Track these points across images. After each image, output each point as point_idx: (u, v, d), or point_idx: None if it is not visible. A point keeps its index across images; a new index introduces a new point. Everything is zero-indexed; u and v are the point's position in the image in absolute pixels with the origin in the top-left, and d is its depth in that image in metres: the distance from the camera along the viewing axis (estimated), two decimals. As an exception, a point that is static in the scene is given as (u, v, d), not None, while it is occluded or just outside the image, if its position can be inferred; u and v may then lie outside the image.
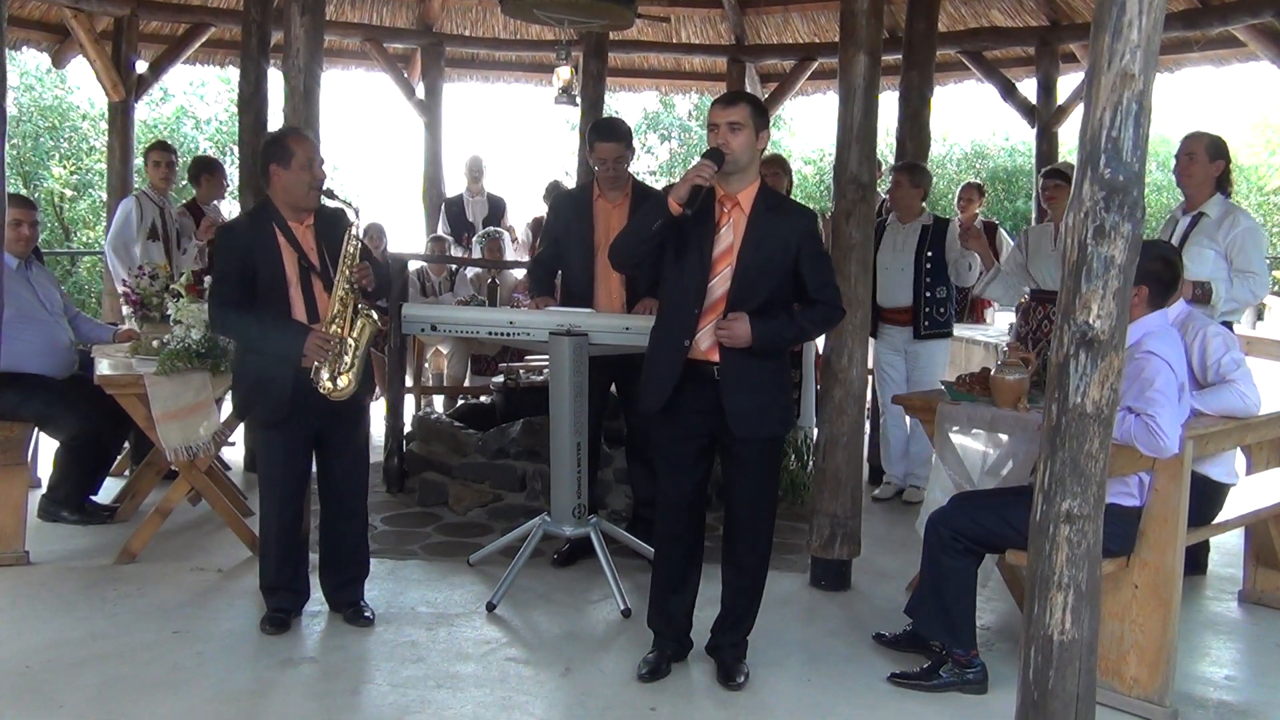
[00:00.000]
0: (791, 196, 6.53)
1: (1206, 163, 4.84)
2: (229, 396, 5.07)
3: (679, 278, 3.70)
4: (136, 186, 7.02)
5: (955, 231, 6.15)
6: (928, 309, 6.11)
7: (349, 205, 4.13)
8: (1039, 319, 5.81)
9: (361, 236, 4.13)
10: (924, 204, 6.20)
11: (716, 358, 3.66)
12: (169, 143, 8.22)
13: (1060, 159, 8.80)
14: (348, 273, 4.04)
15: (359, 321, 4.06)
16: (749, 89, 10.56)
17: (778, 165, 6.61)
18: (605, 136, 4.93)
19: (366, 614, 4.32)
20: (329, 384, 4.02)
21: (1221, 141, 4.89)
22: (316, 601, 4.43)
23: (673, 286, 3.74)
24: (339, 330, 4.02)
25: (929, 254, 6.07)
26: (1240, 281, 4.76)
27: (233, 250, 4.07)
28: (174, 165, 7.16)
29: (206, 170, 7.29)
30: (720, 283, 3.64)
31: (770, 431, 3.77)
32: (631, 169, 5.07)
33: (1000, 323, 8.38)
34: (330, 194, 4.12)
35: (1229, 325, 4.77)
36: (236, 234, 4.17)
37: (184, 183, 8.10)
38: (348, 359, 4.03)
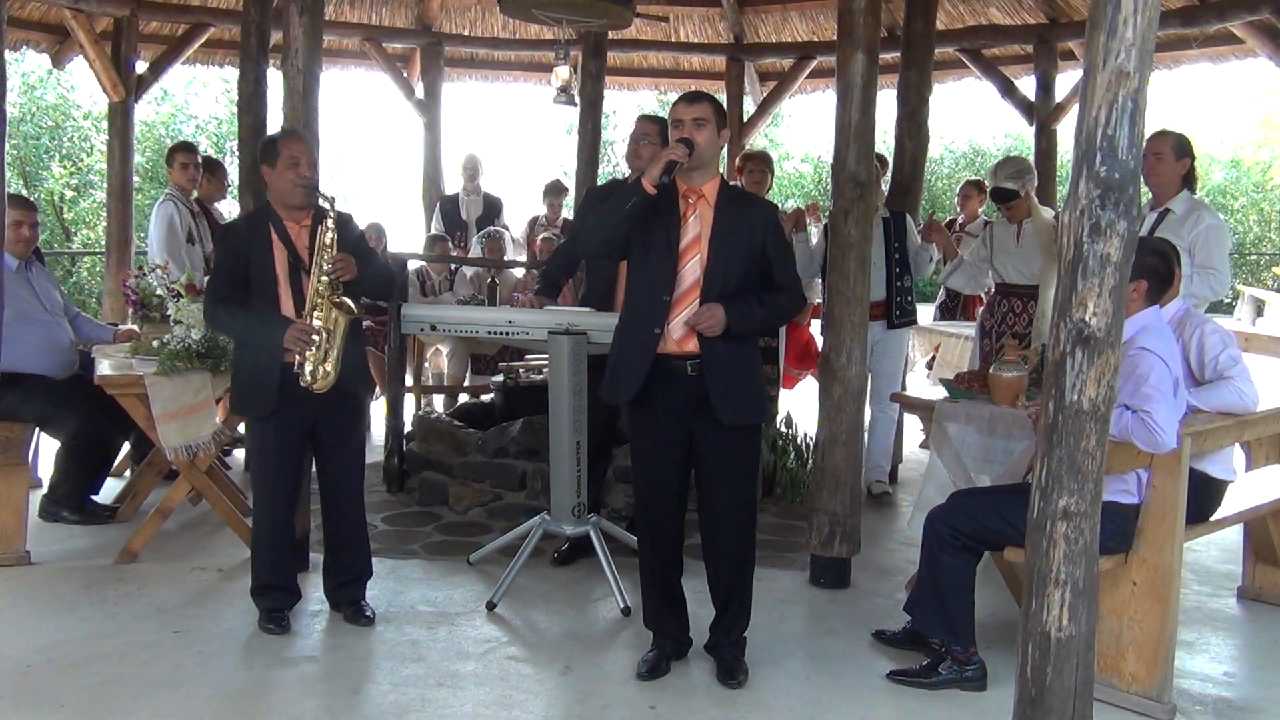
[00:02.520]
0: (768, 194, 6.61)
1: (1174, 161, 4.92)
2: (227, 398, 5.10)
3: (646, 269, 3.75)
4: (149, 193, 6.93)
5: (913, 226, 6.31)
6: (899, 299, 6.25)
7: (325, 198, 4.18)
8: (1004, 312, 6.00)
9: (334, 229, 4.11)
10: None
11: (690, 348, 3.69)
12: (192, 143, 8.19)
13: (1059, 156, 8.83)
14: (324, 265, 4.07)
15: (333, 312, 4.09)
16: (747, 88, 10.58)
17: (763, 163, 6.61)
18: (644, 117, 4.98)
19: (367, 613, 4.33)
20: (308, 376, 4.06)
21: (1187, 140, 4.97)
22: (317, 600, 4.45)
23: (640, 278, 3.78)
24: (319, 322, 4.06)
25: (896, 245, 6.20)
26: (1201, 277, 4.80)
27: (229, 248, 4.22)
28: (200, 166, 7.13)
29: (209, 170, 7.28)
30: (689, 271, 3.70)
31: (752, 418, 3.81)
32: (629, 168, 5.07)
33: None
34: (316, 191, 4.17)
35: None
36: (233, 233, 4.33)
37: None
38: (323, 350, 4.06)
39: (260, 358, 4.09)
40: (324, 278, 4.05)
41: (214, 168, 7.37)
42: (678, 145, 3.63)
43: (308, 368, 4.05)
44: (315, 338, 4.03)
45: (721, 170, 4.00)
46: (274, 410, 4.11)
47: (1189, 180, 4.96)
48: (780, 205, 6.88)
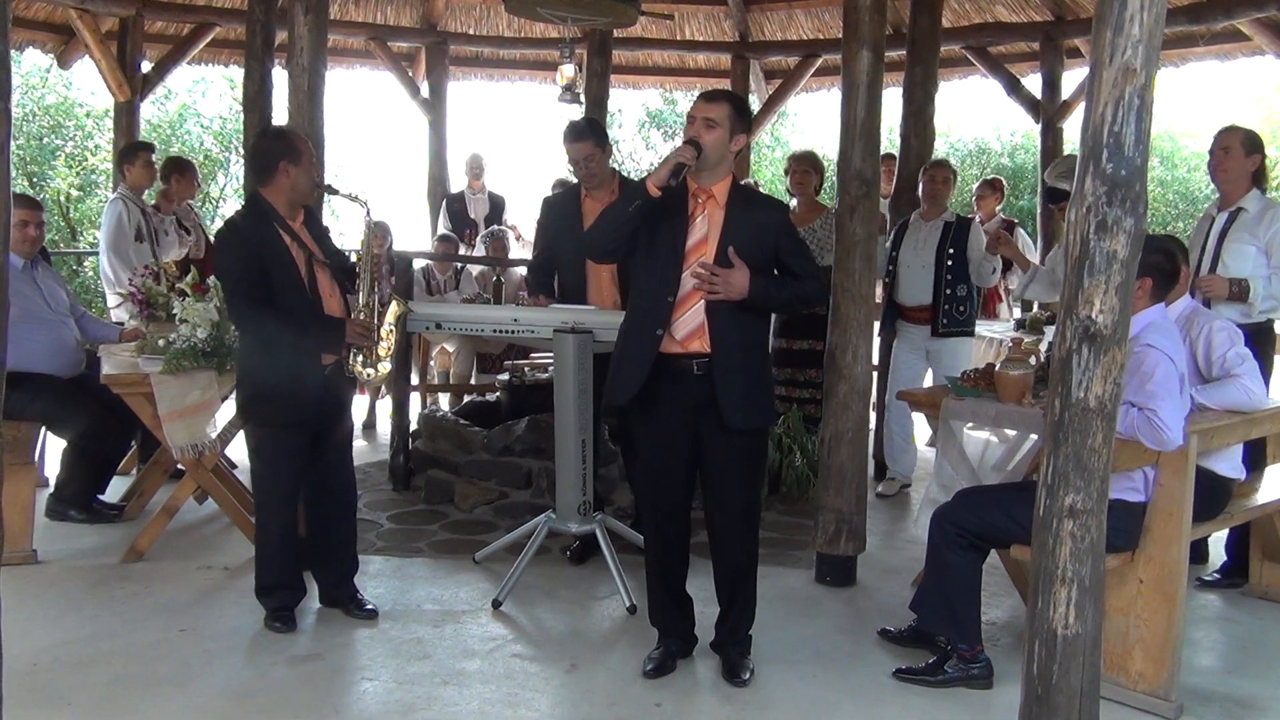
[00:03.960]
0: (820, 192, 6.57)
1: (1243, 157, 4.75)
2: (232, 396, 5.10)
3: (651, 269, 3.71)
4: (119, 191, 6.95)
5: (979, 234, 6.14)
6: (947, 306, 6.12)
7: (356, 199, 4.23)
8: None
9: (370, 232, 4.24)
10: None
11: (696, 348, 3.66)
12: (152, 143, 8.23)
13: (1065, 153, 8.80)
14: (371, 263, 4.15)
15: (392, 304, 4.19)
16: (753, 86, 10.57)
17: (806, 163, 6.56)
18: (573, 138, 4.96)
19: (369, 606, 4.35)
20: (368, 370, 4.13)
21: (1258, 136, 4.81)
22: (321, 598, 4.46)
23: (644, 277, 3.75)
24: (374, 317, 4.14)
25: (950, 251, 6.09)
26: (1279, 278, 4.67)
27: (246, 249, 4.03)
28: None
29: (177, 170, 7.28)
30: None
31: (761, 423, 3.80)
32: (634, 166, 5.07)
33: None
34: (331, 189, 4.22)
35: (1271, 323, 4.72)
36: (245, 233, 4.10)
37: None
38: (385, 344, 4.17)
39: (300, 363, 4.03)
40: (371, 275, 4.15)
41: (184, 167, 7.38)
42: (686, 147, 3.59)
43: (360, 360, 4.12)
44: (373, 334, 4.12)
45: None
46: (309, 417, 4.10)
47: (1259, 178, 4.78)
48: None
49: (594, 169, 4.94)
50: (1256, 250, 4.69)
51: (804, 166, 6.51)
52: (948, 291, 6.12)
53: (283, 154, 4.06)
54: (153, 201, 7.20)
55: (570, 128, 5.07)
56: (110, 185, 10.00)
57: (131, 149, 7.06)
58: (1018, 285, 6.24)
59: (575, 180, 5.25)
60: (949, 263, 6.09)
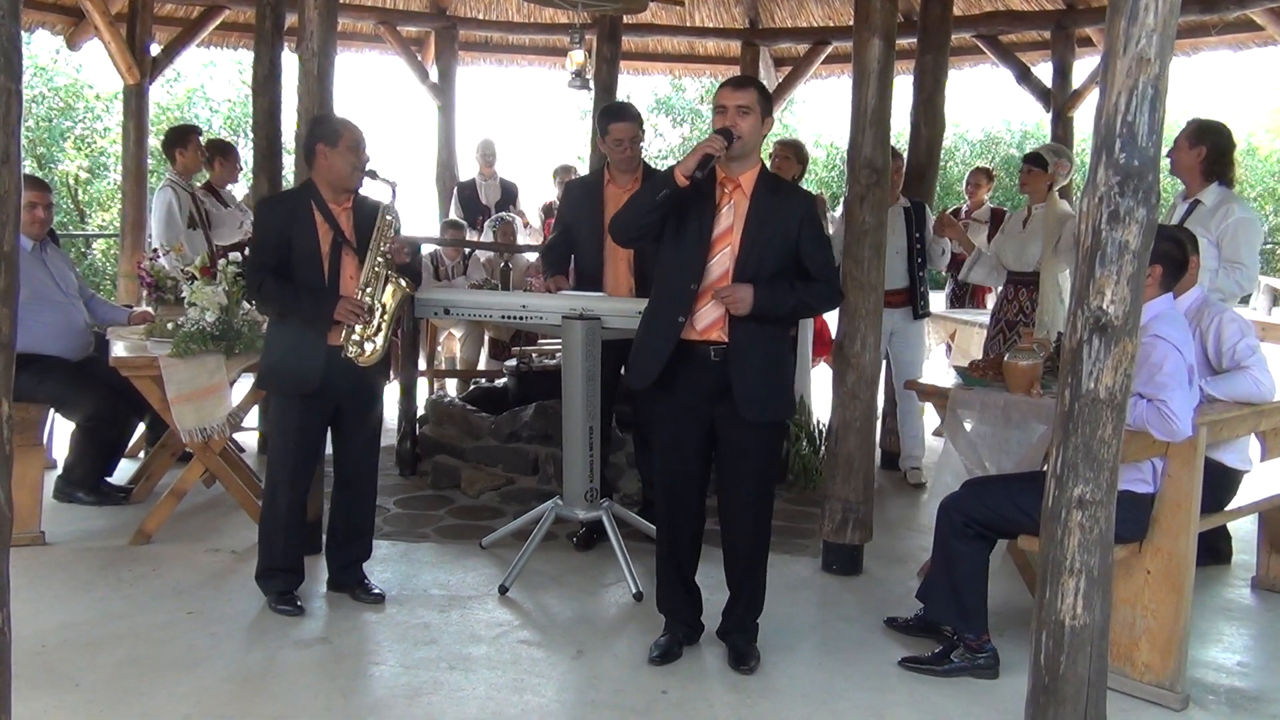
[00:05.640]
0: (801, 184, 6.53)
1: (1187, 149, 4.77)
2: (245, 375, 5.12)
3: (676, 256, 3.71)
4: (162, 176, 6.90)
5: (930, 216, 6.31)
6: (920, 289, 6.25)
7: (389, 182, 4.25)
8: (1002, 299, 6.06)
9: (396, 215, 4.24)
10: None
11: (714, 337, 3.67)
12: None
13: (1075, 144, 8.78)
14: (383, 245, 4.15)
15: (389, 287, 4.17)
16: (762, 73, 10.53)
17: (790, 150, 6.54)
18: (619, 117, 4.94)
19: (376, 591, 4.36)
20: (355, 349, 4.11)
21: (1207, 126, 4.78)
22: (329, 582, 4.47)
23: (669, 264, 3.75)
24: (370, 298, 4.13)
25: (917, 235, 6.21)
26: (1227, 272, 4.69)
27: (270, 221, 4.18)
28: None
29: (220, 153, 7.29)
30: (719, 263, 3.65)
31: (776, 416, 3.79)
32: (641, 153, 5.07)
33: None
34: (373, 174, 4.24)
35: None
36: (275, 207, 4.34)
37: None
38: (375, 325, 4.14)
39: (304, 336, 4.11)
40: (381, 256, 4.14)
41: (225, 150, 7.39)
42: (715, 137, 3.57)
43: (353, 339, 4.12)
44: (366, 312, 4.10)
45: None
46: (314, 390, 4.13)
47: (1215, 169, 4.76)
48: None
49: (636, 151, 4.96)
50: (1208, 242, 4.67)
51: (785, 153, 6.46)
52: (920, 274, 6.24)
53: (319, 138, 4.17)
54: (200, 183, 7.18)
55: (613, 107, 5.08)
56: (119, 168, 9.99)
57: (181, 133, 7.01)
58: (964, 268, 6.36)
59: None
60: (918, 246, 6.23)
